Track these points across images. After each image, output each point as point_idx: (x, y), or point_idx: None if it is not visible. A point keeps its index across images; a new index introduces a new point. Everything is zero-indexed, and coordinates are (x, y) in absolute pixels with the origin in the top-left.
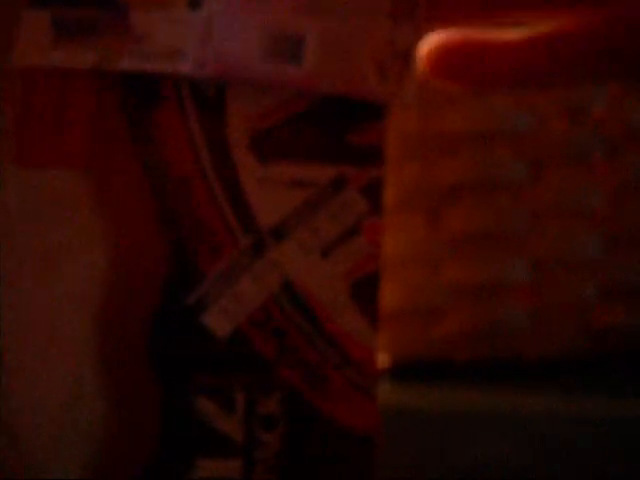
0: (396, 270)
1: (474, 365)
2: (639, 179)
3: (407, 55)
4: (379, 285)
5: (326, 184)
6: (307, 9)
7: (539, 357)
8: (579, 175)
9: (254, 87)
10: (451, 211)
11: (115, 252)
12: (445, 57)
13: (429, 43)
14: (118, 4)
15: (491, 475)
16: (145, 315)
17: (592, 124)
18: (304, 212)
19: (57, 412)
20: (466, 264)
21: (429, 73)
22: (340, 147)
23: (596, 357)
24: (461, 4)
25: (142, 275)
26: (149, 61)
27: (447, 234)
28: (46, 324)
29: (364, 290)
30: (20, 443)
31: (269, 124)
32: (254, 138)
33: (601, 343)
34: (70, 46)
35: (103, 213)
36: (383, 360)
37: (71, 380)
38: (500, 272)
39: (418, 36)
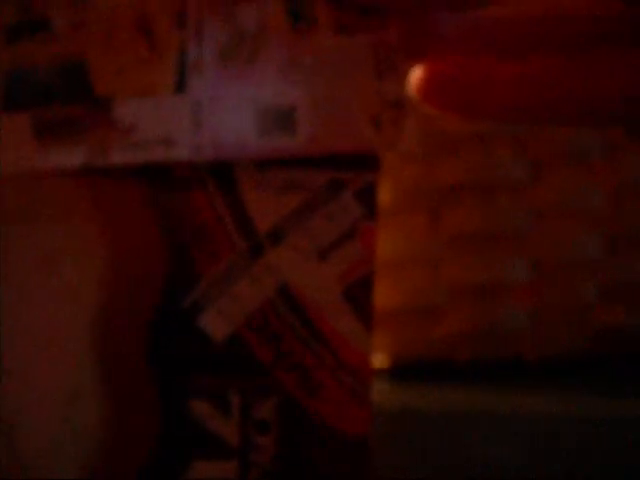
0: (396, 270)
1: (474, 365)
2: (639, 179)
3: (397, 104)
4: (372, 289)
5: (321, 188)
6: (293, 80)
7: (539, 357)
8: (579, 175)
9: (251, 162)
10: (451, 211)
11: (113, 254)
12: (433, 87)
13: (419, 71)
14: (98, 99)
15: (491, 475)
16: (143, 317)
17: None
18: (300, 216)
19: (55, 413)
20: (466, 264)
21: (418, 100)
22: (336, 153)
23: (596, 357)
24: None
25: (140, 277)
26: (141, 152)
27: (447, 234)
28: (44, 326)
29: (358, 293)
30: (18, 444)
31: None
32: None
33: (601, 343)
34: (55, 147)
35: (101, 215)
36: (382, 360)
37: (69, 382)
38: (500, 272)
39: (403, 86)
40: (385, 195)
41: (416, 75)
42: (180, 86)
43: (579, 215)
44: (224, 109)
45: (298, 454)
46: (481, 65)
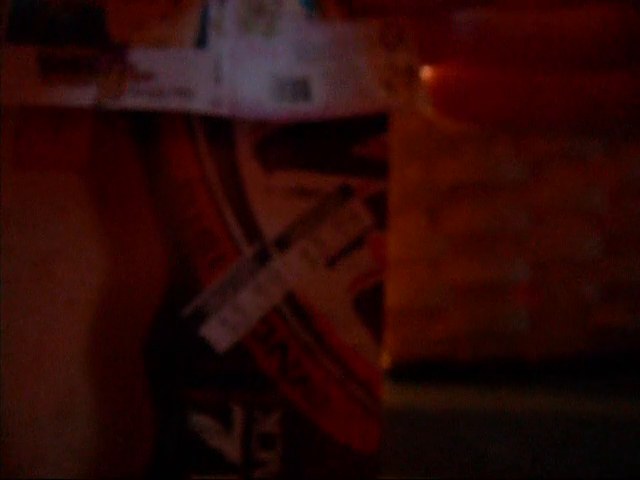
0: (396, 270)
1: (474, 365)
2: (639, 178)
3: (410, 70)
4: (382, 299)
5: (331, 194)
6: (306, 56)
7: (539, 357)
8: (579, 175)
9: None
10: (451, 211)
11: (112, 259)
12: (442, 95)
13: (427, 80)
14: (112, 43)
15: (491, 474)
16: (141, 325)
17: None
18: (309, 222)
19: (47, 422)
20: (466, 264)
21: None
22: (346, 157)
23: (596, 357)
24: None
25: (140, 283)
26: (156, 99)
27: (447, 234)
28: (38, 331)
29: (368, 303)
30: (8, 452)
31: (274, 132)
32: (259, 146)
33: (601, 343)
34: (62, 84)
35: (101, 218)
36: (383, 360)
37: (63, 389)
38: (500, 272)
39: (413, 55)
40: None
41: (426, 82)
42: (201, 41)
43: (579, 215)
44: (243, 71)
45: (304, 471)
46: (488, 73)
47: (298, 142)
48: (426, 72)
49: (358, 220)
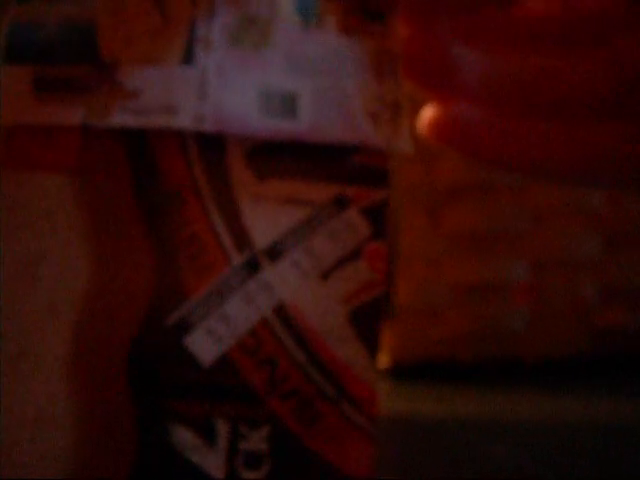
0: (396, 270)
1: (474, 365)
2: None
3: (396, 106)
4: (381, 314)
5: (326, 203)
6: (298, 69)
7: (539, 357)
8: None
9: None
10: (451, 211)
11: (98, 264)
12: (440, 130)
13: (430, 112)
14: (104, 63)
15: (490, 475)
16: (125, 332)
17: None
18: (301, 232)
19: (25, 427)
20: (466, 264)
21: (428, 137)
22: (343, 166)
23: (596, 357)
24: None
25: (125, 290)
26: (143, 117)
27: (447, 234)
28: (20, 333)
29: (364, 317)
30: None
31: (267, 139)
32: (251, 153)
33: (601, 343)
34: (54, 103)
35: (89, 222)
36: (383, 360)
37: (42, 395)
38: (500, 272)
39: (399, 89)
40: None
41: (427, 115)
42: (188, 58)
43: (579, 215)
44: (229, 86)
45: None
46: (490, 115)
47: (292, 150)
48: (430, 109)
49: (354, 231)
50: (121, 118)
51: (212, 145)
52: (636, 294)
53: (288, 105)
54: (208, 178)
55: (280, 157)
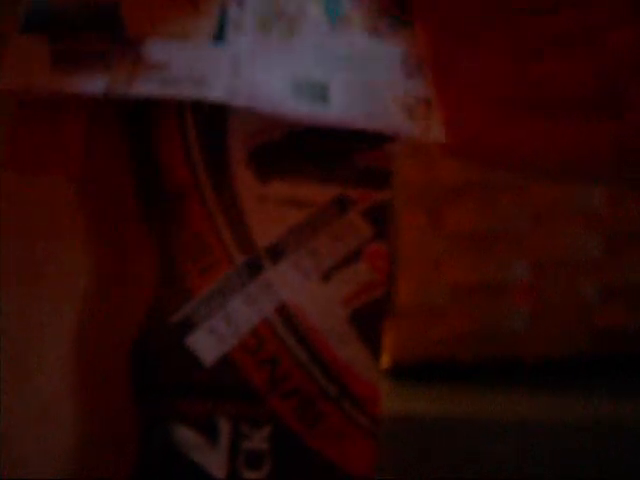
0: (396, 270)
1: (474, 365)
2: None
3: (428, 102)
4: (382, 314)
5: (328, 205)
6: (327, 62)
7: (539, 357)
8: None
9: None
10: (451, 211)
11: (101, 265)
12: (450, 135)
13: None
14: (126, 37)
15: (490, 474)
16: (128, 332)
17: None
18: (303, 233)
19: (30, 425)
20: (466, 265)
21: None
22: (345, 167)
23: (596, 357)
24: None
25: (128, 290)
26: (170, 87)
27: (448, 234)
28: (25, 333)
29: (365, 318)
30: None
31: (269, 140)
32: (253, 154)
33: (601, 343)
34: (74, 73)
35: (92, 224)
36: (383, 360)
37: (47, 394)
38: (500, 272)
39: (429, 88)
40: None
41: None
42: (219, 37)
43: (579, 215)
44: (261, 67)
45: None
46: (493, 115)
47: (294, 151)
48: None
49: (356, 232)
50: (146, 87)
51: (215, 147)
52: (636, 294)
53: (319, 91)
54: (211, 179)
55: (282, 159)
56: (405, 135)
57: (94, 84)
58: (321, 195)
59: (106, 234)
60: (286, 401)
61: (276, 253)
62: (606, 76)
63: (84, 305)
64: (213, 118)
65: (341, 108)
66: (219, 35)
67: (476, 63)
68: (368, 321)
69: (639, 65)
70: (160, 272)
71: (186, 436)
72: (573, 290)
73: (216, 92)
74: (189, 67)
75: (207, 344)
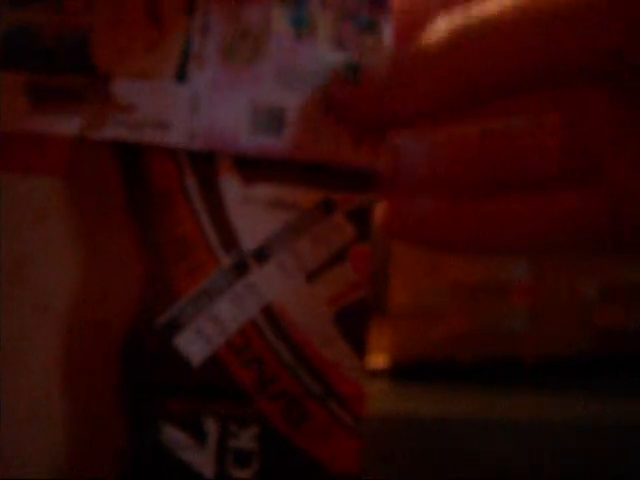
0: (396, 270)
1: (474, 365)
2: None
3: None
4: (366, 314)
5: (312, 207)
6: (287, 82)
7: (539, 357)
8: None
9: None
10: None
11: (88, 266)
12: (395, 226)
13: (387, 208)
14: (98, 74)
15: (490, 476)
16: (116, 332)
17: None
18: (288, 235)
19: (21, 423)
20: (466, 264)
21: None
22: (328, 171)
23: (596, 357)
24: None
25: (115, 290)
26: (136, 130)
27: None
28: (14, 334)
29: (350, 318)
30: None
31: None
32: (239, 157)
33: (601, 343)
34: (50, 113)
35: (79, 224)
36: (382, 360)
37: (37, 393)
38: (500, 272)
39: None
40: None
41: (384, 211)
42: (181, 74)
43: None
44: (220, 102)
45: None
46: (440, 202)
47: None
48: (385, 206)
49: (340, 234)
50: (115, 131)
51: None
52: (636, 294)
53: (275, 121)
54: (197, 180)
55: (267, 162)
56: (350, 165)
57: (69, 125)
58: (306, 198)
59: (93, 234)
60: (274, 402)
61: (261, 255)
62: (577, 150)
63: (72, 305)
64: None
65: (292, 141)
66: (182, 71)
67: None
68: (353, 321)
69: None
70: (147, 273)
71: (175, 436)
72: (573, 290)
73: (176, 137)
74: (153, 109)
75: (194, 344)
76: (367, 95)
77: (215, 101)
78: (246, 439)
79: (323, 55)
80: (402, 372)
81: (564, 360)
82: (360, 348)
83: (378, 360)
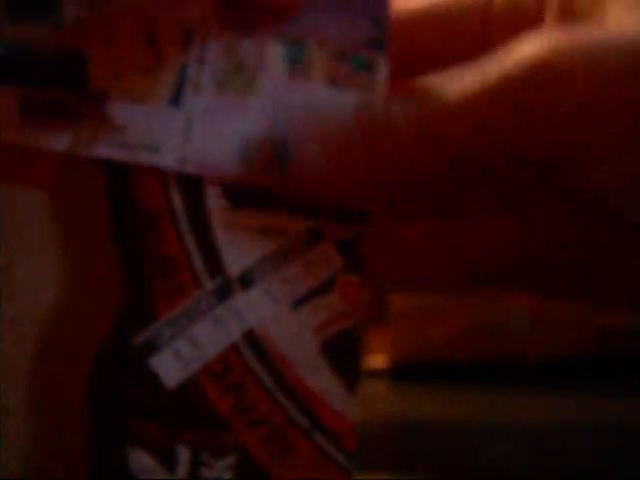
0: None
1: (474, 366)
2: None
3: None
4: (353, 345)
5: (300, 235)
6: (282, 116)
7: (539, 357)
8: None
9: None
10: None
11: (66, 279)
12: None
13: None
14: (92, 93)
15: (490, 475)
16: (89, 349)
17: None
18: (274, 261)
19: None
20: None
21: None
22: (317, 201)
23: (596, 357)
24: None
25: (91, 306)
26: (127, 152)
27: None
28: None
29: (337, 348)
30: None
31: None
32: (226, 183)
33: (601, 343)
34: (41, 127)
35: (61, 238)
36: (382, 360)
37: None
38: None
39: None
40: None
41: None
42: (175, 99)
43: None
44: (213, 129)
45: None
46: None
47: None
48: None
49: (327, 263)
50: (106, 150)
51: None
52: (637, 294)
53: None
54: (184, 202)
55: (255, 188)
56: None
57: (58, 141)
58: (293, 226)
59: (74, 249)
60: (253, 430)
61: (246, 280)
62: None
63: (46, 320)
64: None
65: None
66: (176, 96)
67: None
68: (339, 351)
69: None
70: (127, 291)
71: (142, 460)
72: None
73: (167, 160)
74: (145, 132)
75: (170, 366)
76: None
77: (207, 128)
78: (220, 469)
79: (316, 93)
80: (402, 372)
81: (564, 360)
82: (347, 379)
83: (378, 360)
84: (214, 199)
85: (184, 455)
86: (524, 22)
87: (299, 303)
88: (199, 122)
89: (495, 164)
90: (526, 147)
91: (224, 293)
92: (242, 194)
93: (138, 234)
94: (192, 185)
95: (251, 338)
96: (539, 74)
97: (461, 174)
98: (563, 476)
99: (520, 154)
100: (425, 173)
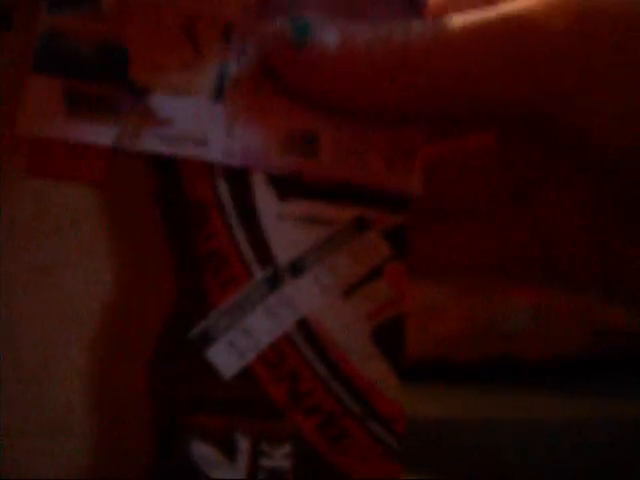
0: None
1: (474, 365)
2: None
3: (411, 153)
4: (401, 332)
5: (347, 224)
6: (320, 111)
7: (539, 357)
8: None
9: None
10: None
11: (120, 276)
12: None
13: None
14: (135, 86)
15: (490, 475)
16: (146, 344)
17: None
18: (323, 250)
19: (39, 438)
20: None
21: None
22: (363, 189)
23: (596, 357)
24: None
25: (146, 302)
26: (174, 145)
27: None
28: (38, 342)
29: (387, 335)
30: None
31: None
32: (273, 175)
33: (602, 343)
34: (86, 120)
35: (112, 233)
36: None
37: (59, 406)
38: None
39: (419, 136)
40: None
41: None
42: (217, 93)
43: None
44: (256, 123)
45: None
46: None
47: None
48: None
49: (375, 251)
50: (152, 144)
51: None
52: (636, 294)
53: (309, 145)
54: (232, 195)
55: (301, 178)
56: (384, 189)
57: (105, 135)
58: (340, 215)
59: (126, 244)
60: (309, 417)
61: (296, 269)
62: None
63: (103, 316)
64: None
65: (327, 162)
66: (218, 91)
67: None
68: (390, 338)
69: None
70: (179, 285)
71: (205, 452)
72: (573, 290)
73: (214, 153)
74: (191, 125)
75: (226, 357)
76: (307, 62)
77: (249, 124)
78: (279, 457)
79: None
80: (402, 372)
81: (564, 360)
82: (397, 365)
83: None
84: (261, 191)
85: (244, 445)
86: None
87: (349, 291)
88: (241, 117)
89: (484, 110)
90: (513, 96)
91: (275, 283)
92: (289, 185)
93: (189, 229)
94: (239, 178)
95: (304, 327)
96: (529, 22)
97: (452, 112)
98: (562, 476)
99: (507, 103)
100: (418, 98)
